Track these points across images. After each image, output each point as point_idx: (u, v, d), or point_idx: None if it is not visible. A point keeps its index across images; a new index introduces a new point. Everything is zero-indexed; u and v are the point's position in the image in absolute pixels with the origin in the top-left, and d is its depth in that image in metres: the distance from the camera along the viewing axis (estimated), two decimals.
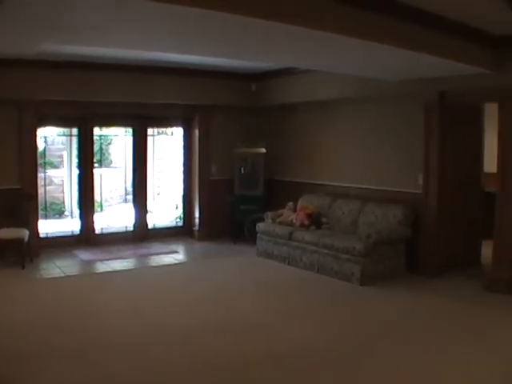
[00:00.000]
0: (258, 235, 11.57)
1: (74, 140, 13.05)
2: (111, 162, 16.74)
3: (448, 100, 9.67)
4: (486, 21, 7.58)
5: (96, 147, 13.05)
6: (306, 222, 10.96)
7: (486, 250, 10.11)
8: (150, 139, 13.24)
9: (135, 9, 5.19)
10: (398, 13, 6.69)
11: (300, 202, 11.79)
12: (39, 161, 11.76)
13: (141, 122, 12.86)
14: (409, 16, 6.83)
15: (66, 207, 15.67)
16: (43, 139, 12.89)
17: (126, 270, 10.40)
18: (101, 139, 14.32)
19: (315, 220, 11.02)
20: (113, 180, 15.95)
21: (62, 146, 15.79)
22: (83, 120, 12.15)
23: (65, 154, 15.70)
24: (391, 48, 6.98)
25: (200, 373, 5.91)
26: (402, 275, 9.95)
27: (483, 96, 9.47)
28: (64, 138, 14.80)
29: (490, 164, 10.09)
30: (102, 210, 15.13)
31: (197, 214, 13.30)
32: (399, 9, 6.64)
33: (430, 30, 7.25)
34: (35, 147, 11.10)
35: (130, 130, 13.03)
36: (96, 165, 12.94)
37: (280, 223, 11.30)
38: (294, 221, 11.10)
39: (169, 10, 5.03)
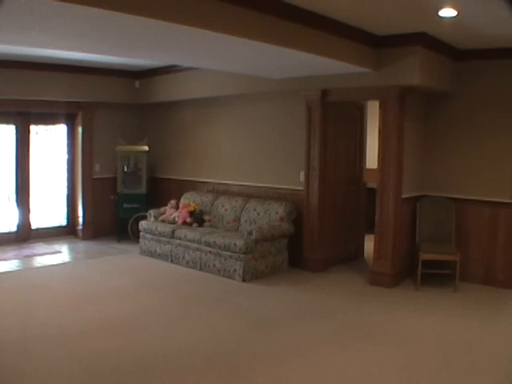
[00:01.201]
0: (141, 233, 10.96)
1: None
2: None
3: (330, 98, 9.43)
4: (368, 22, 7.40)
5: None
6: (188, 220, 10.48)
7: (369, 244, 9.94)
8: (33, 137, 12.44)
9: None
10: (282, 12, 6.33)
11: (182, 200, 11.27)
12: None
13: (23, 120, 12.02)
14: (292, 15, 6.48)
15: None
16: None
17: (8, 272, 9.58)
18: None
19: (197, 217, 10.55)
20: None
21: None
22: None
23: None
24: (274, 47, 6.59)
25: (78, 376, 5.42)
26: (285, 271, 9.71)
27: (365, 94, 9.26)
28: None
29: (372, 160, 9.92)
30: None
31: (81, 213, 12.56)
32: (282, 8, 6.28)
33: (314, 30, 6.95)
34: None
35: (12, 127, 12.17)
36: None
37: (163, 221, 10.76)
38: (177, 218, 10.59)
39: (45, 5, 4.53)
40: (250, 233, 9.12)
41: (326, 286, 8.94)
